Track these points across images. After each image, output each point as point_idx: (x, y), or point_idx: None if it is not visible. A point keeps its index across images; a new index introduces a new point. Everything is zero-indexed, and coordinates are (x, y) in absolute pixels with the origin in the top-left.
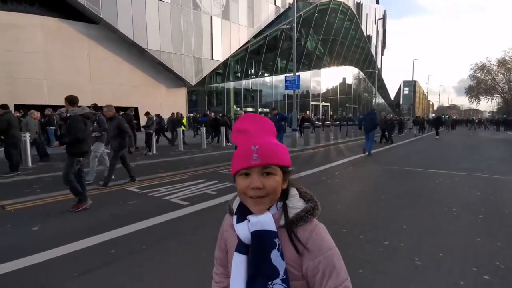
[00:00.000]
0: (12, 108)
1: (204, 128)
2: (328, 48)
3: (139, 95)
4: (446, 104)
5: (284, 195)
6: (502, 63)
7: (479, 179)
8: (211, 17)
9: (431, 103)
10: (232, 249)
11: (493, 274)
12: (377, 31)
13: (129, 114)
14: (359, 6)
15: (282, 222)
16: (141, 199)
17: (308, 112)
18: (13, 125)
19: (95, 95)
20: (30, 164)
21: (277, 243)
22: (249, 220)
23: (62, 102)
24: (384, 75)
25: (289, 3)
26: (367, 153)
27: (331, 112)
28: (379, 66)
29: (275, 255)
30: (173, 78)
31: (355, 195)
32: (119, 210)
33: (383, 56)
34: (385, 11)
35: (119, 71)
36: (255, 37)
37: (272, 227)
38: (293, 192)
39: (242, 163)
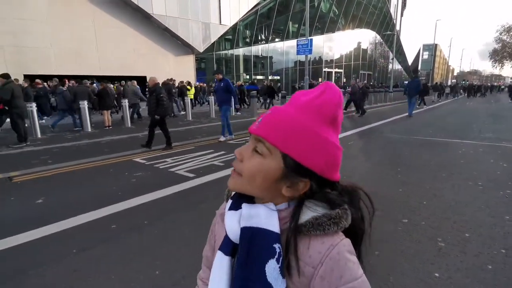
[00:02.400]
0: (21, 78)
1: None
2: (344, 10)
3: (146, 63)
4: (467, 70)
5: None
6: None
7: (506, 149)
8: None
9: (451, 68)
10: (218, 246)
11: None
12: None
13: (169, 83)
14: None
15: (290, 224)
16: (147, 171)
17: (320, 80)
18: (16, 95)
19: (101, 64)
20: (39, 135)
21: (278, 251)
22: (242, 210)
23: (69, 71)
24: (402, 38)
25: None
26: (408, 115)
27: (344, 79)
28: (397, 28)
29: (272, 268)
30: (180, 45)
31: (370, 167)
32: (123, 183)
33: (402, 17)
34: None
35: (124, 38)
36: None
37: (272, 226)
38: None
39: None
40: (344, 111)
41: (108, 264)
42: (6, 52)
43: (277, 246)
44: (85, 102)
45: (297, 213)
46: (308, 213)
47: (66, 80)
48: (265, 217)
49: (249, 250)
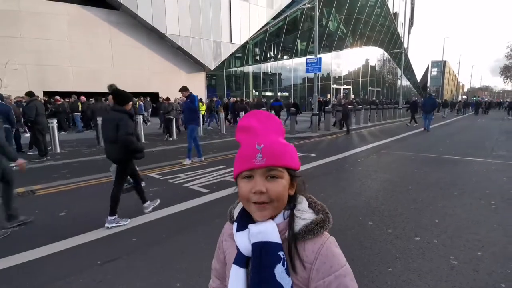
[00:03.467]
0: (40, 94)
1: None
2: (351, 28)
3: (159, 80)
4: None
5: (292, 203)
6: None
7: None
8: None
9: (461, 84)
10: (231, 261)
11: None
12: (405, 8)
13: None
14: None
15: (288, 234)
16: (162, 186)
17: (328, 96)
18: (39, 112)
19: (117, 81)
20: (58, 150)
21: (282, 256)
22: (250, 230)
23: (86, 88)
24: (410, 55)
25: None
26: (426, 130)
27: (353, 96)
28: (405, 46)
29: (280, 271)
30: (192, 63)
31: (381, 184)
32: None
33: (410, 35)
34: None
35: (139, 57)
36: (274, 18)
37: (276, 238)
38: (302, 201)
39: (244, 164)
40: (339, 130)
41: (132, 275)
42: (28, 70)
43: (281, 253)
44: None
45: (291, 225)
46: (300, 222)
47: (82, 97)
48: (269, 232)
49: (260, 260)
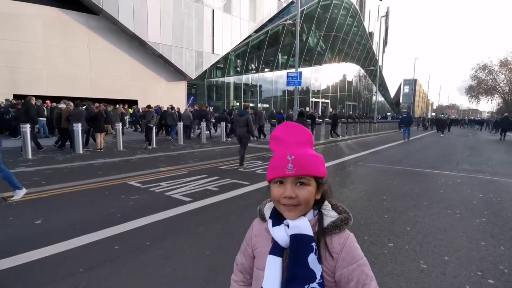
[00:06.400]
0: (11, 97)
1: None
2: (330, 44)
3: (138, 87)
4: (445, 104)
5: (318, 204)
6: (504, 63)
7: (481, 180)
8: (213, 10)
9: (431, 102)
10: (261, 254)
11: (497, 279)
12: (380, 28)
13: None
14: (362, 2)
15: (318, 228)
16: (143, 194)
17: (308, 109)
18: None
19: (94, 87)
20: (30, 156)
21: (314, 247)
22: (286, 224)
23: (61, 92)
24: (384, 73)
25: None
26: (407, 139)
27: (331, 109)
28: (380, 63)
29: (312, 259)
30: (173, 72)
31: (358, 195)
32: (120, 205)
33: (384, 54)
34: (388, 8)
35: (119, 63)
36: (256, 31)
37: (309, 231)
38: (326, 203)
39: (277, 172)
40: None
41: (117, 282)
42: None
43: (313, 244)
44: (79, 125)
45: (321, 221)
46: (327, 219)
47: (48, 102)
48: (304, 226)
49: (296, 249)
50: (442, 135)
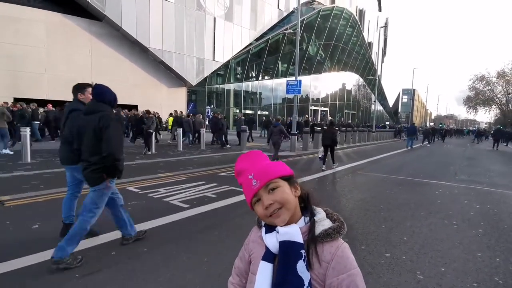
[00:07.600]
0: (11, 101)
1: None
2: (329, 54)
3: (139, 93)
4: (444, 114)
5: (309, 210)
6: (501, 75)
7: (478, 191)
8: (214, 18)
9: (429, 112)
10: (256, 259)
11: None
12: (379, 38)
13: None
14: (361, 13)
15: (309, 236)
16: (141, 200)
17: (306, 116)
18: None
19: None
20: (29, 160)
21: (303, 254)
22: (277, 231)
23: (61, 97)
24: (383, 82)
25: (294, 8)
26: (410, 148)
27: (330, 117)
28: (379, 73)
29: (301, 266)
30: (173, 78)
31: (355, 204)
32: None
33: (383, 64)
34: (387, 19)
35: (120, 68)
36: (257, 40)
37: (299, 238)
38: (320, 211)
39: (248, 193)
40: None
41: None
42: None
43: (302, 251)
44: None
45: (312, 229)
46: (319, 228)
47: (49, 105)
48: (294, 233)
49: (285, 255)
50: (429, 145)
